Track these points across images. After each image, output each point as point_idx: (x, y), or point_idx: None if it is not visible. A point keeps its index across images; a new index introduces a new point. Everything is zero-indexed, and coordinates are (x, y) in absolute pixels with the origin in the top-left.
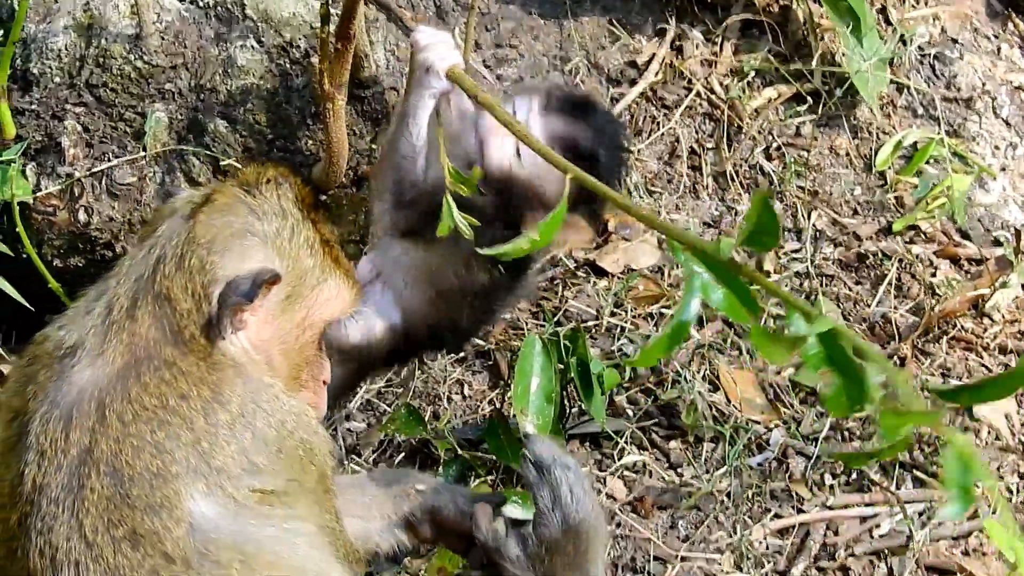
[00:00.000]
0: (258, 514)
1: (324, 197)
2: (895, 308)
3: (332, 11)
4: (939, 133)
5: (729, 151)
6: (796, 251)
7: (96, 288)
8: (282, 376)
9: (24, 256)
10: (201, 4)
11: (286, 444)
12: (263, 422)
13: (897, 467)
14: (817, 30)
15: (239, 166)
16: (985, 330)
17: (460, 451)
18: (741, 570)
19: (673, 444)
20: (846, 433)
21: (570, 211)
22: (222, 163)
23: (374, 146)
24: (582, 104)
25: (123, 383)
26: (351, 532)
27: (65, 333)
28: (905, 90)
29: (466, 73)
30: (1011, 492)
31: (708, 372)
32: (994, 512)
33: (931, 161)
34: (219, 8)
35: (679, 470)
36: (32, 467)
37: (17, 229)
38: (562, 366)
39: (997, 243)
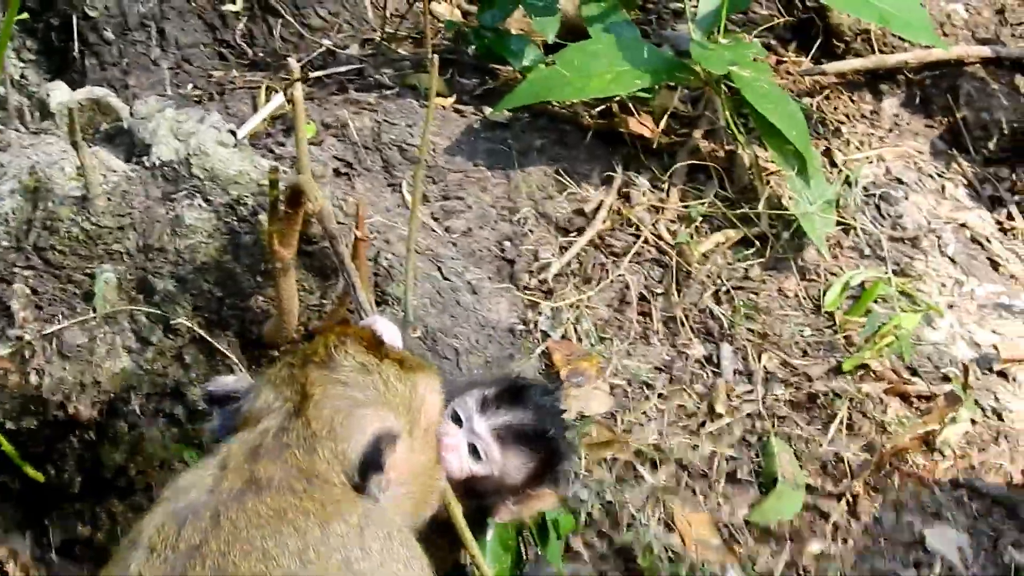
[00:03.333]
0: None
1: (275, 353)
2: (847, 446)
3: (282, 172)
4: (886, 272)
5: (678, 296)
6: (748, 393)
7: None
8: (418, 502)
9: None
10: (147, 164)
11: (390, 562)
12: (372, 536)
13: None
14: (763, 174)
15: (189, 324)
16: (937, 465)
17: None
18: None
19: None
20: (802, 570)
21: (535, 488)
22: (172, 322)
23: (324, 301)
24: (515, 390)
25: (241, 498)
26: None
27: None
28: (852, 231)
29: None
30: None
31: (662, 515)
32: None
33: (879, 300)
34: (166, 168)
35: None
36: (139, 561)
37: None
38: None
39: (946, 379)
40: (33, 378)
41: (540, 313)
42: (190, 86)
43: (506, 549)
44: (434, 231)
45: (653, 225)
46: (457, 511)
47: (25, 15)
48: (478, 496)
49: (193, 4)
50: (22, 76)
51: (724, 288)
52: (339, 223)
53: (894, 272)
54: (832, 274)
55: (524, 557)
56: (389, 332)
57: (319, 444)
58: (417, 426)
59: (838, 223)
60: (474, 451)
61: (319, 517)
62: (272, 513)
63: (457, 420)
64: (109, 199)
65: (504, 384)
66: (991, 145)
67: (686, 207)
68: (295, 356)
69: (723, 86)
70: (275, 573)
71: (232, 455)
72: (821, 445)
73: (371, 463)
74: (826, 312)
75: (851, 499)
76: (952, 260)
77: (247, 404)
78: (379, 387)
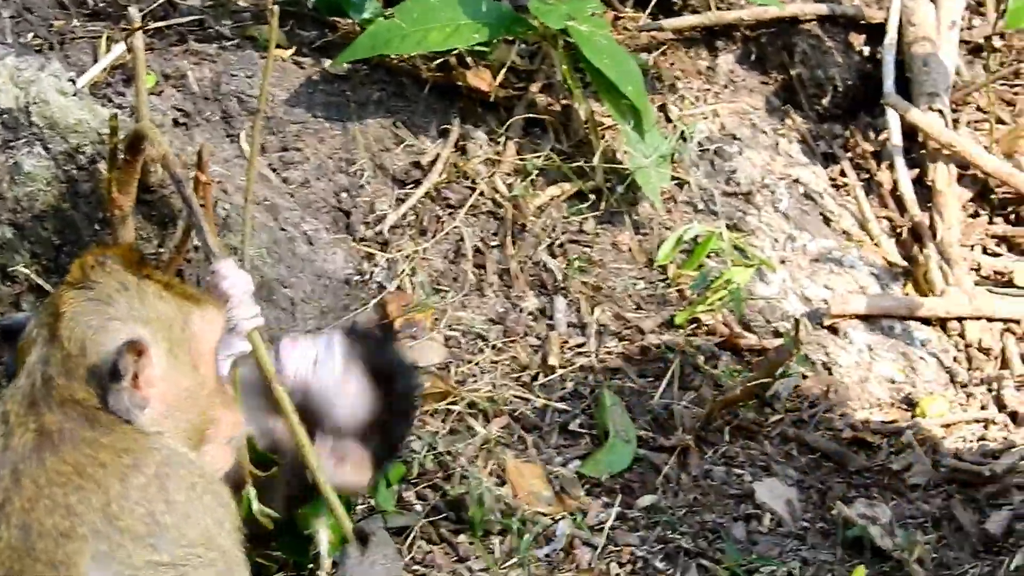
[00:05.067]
0: None
1: None
2: (679, 400)
3: (121, 120)
4: (719, 227)
5: (513, 249)
6: (581, 345)
7: None
8: (194, 434)
9: None
10: None
11: (196, 512)
12: (175, 487)
13: (682, 556)
14: (599, 128)
15: (26, 271)
16: (767, 419)
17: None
18: None
19: (462, 538)
20: (632, 522)
21: (365, 443)
22: (9, 269)
23: (162, 249)
24: (383, 345)
25: (38, 455)
26: None
27: None
28: (686, 185)
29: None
30: None
31: (495, 467)
32: None
33: (712, 255)
34: (5, 116)
35: (468, 563)
36: None
37: None
38: None
39: (777, 334)
40: None
41: (376, 264)
42: (31, 35)
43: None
44: (271, 182)
45: (489, 178)
46: (301, 433)
47: None
48: (304, 418)
49: None
50: None
51: (559, 241)
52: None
53: (727, 227)
54: (666, 228)
55: (353, 506)
56: (235, 274)
57: (74, 364)
58: (181, 348)
59: (672, 178)
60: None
61: (117, 469)
62: (72, 469)
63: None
64: None
65: (376, 336)
66: (825, 102)
67: (522, 161)
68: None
69: (560, 41)
70: (80, 530)
71: (10, 408)
72: (653, 398)
73: (113, 372)
74: (659, 266)
75: (682, 452)
76: (785, 215)
77: (22, 337)
78: (134, 303)
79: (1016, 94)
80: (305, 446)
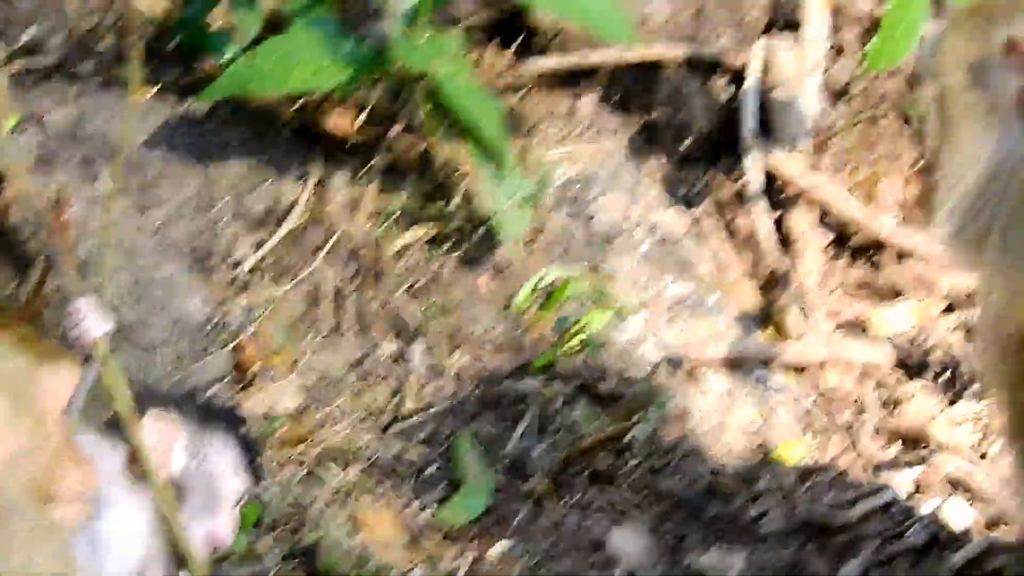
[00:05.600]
0: None
1: None
2: (535, 446)
3: None
4: (578, 272)
5: (372, 292)
6: (438, 391)
7: None
8: (35, 488)
9: None
10: None
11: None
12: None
13: None
14: (459, 171)
15: None
16: (624, 465)
17: None
18: None
19: None
20: (487, 569)
21: None
22: None
23: (20, 291)
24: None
25: None
26: None
27: None
28: (545, 229)
29: None
30: None
31: (350, 514)
32: None
33: (570, 299)
34: None
35: None
36: None
37: None
38: None
39: (635, 380)
40: None
41: (233, 308)
42: None
43: None
44: (131, 224)
45: (348, 222)
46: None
47: None
48: None
49: None
50: None
51: (417, 285)
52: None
53: (586, 271)
54: (525, 273)
55: None
56: (96, 314)
57: None
58: (23, 404)
59: (532, 221)
60: None
61: None
62: None
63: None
64: None
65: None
66: (686, 145)
67: (382, 204)
68: None
69: (422, 82)
70: None
71: None
72: (509, 444)
73: None
74: (518, 311)
75: (537, 499)
76: (645, 260)
77: None
78: None
79: (877, 138)
80: (153, 475)
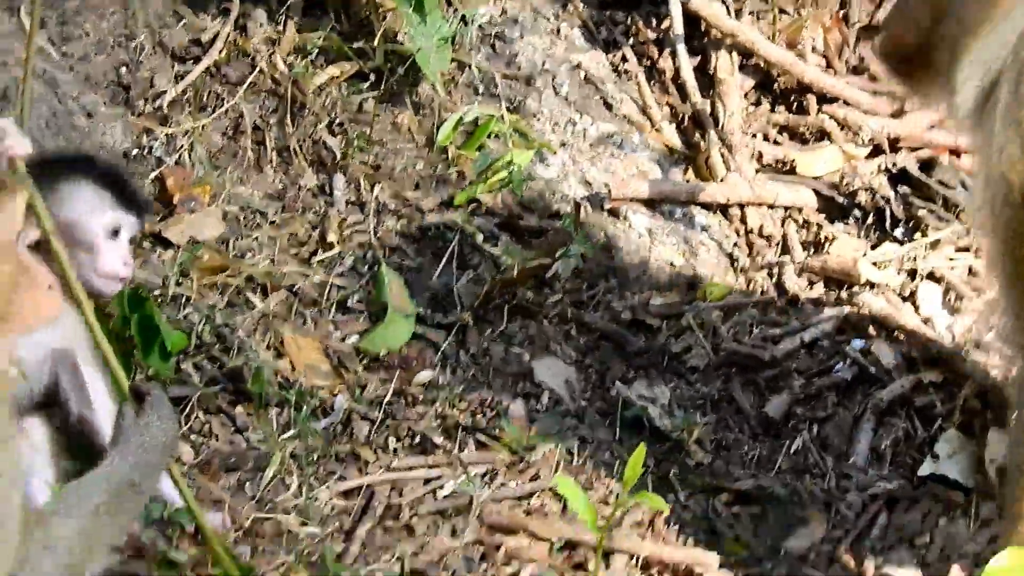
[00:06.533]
0: None
1: None
2: (457, 278)
3: None
4: (500, 110)
5: (293, 127)
6: (359, 223)
7: None
8: None
9: None
10: None
11: None
12: None
13: (460, 431)
14: (379, 9)
15: None
16: (546, 299)
17: None
18: (308, 527)
19: (239, 409)
20: (410, 398)
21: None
22: None
23: None
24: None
25: None
26: None
27: None
28: (467, 68)
29: None
30: (571, 454)
31: (272, 340)
32: (555, 472)
33: (492, 137)
34: None
35: (245, 434)
36: None
37: None
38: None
39: (557, 215)
40: None
41: (155, 139)
42: None
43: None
44: (51, 56)
45: (269, 57)
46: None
47: None
48: None
49: None
50: None
51: (339, 120)
52: None
53: (508, 110)
54: (446, 110)
55: (133, 376)
56: (17, 135)
57: None
58: None
59: (453, 60)
60: None
61: None
62: None
63: None
64: None
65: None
66: None
67: (302, 40)
68: None
69: None
70: None
71: None
72: (432, 277)
73: None
74: (439, 147)
75: (460, 330)
76: (566, 99)
77: None
78: None
79: None
80: (72, 282)
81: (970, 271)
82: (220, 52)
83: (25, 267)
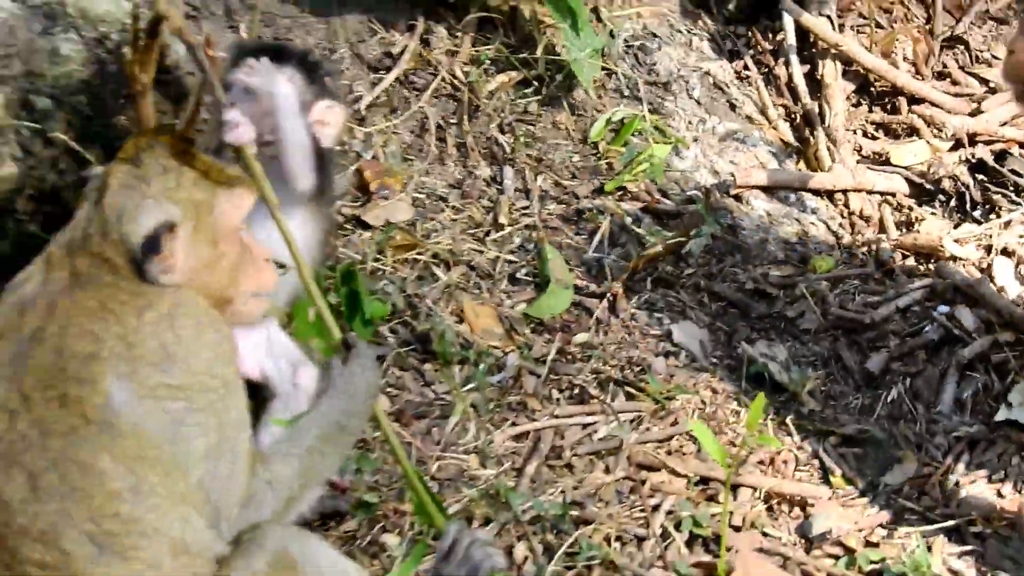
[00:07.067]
0: (160, 404)
1: None
2: (608, 254)
3: (142, 11)
4: (642, 111)
5: (469, 126)
6: (526, 207)
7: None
8: (216, 293)
9: None
10: (29, 4)
11: (200, 346)
12: (183, 324)
13: (611, 383)
14: (541, 26)
15: (63, 137)
16: (682, 272)
17: None
18: (485, 467)
19: (428, 366)
20: (570, 356)
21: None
22: (49, 135)
23: (176, 121)
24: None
25: (70, 291)
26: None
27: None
28: (614, 75)
29: None
30: (704, 403)
31: (454, 307)
32: (691, 418)
33: (636, 134)
34: (45, 7)
35: (433, 387)
36: None
37: None
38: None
39: (691, 201)
40: None
41: (354, 137)
42: None
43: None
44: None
45: (449, 66)
46: (290, 237)
47: None
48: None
49: None
50: None
51: (507, 120)
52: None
53: (649, 110)
54: (597, 111)
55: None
56: (242, 123)
57: (110, 229)
58: (205, 226)
59: (603, 69)
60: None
61: (134, 307)
62: (97, 304)
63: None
64: None
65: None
66: (731, 7)
67: (476, 52)
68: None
69: None
70: (104, 354)
71: (53, 251)
72: (586, 253)
73: (150, 245)
74: (592, 142)
75: (611, 298)
76: (697, 102)
77: (87, 187)
78: (171, 185)
79: (892, 3)
80: (296, 254)
81: None
82: (408, 62)
83: (247, 246)
